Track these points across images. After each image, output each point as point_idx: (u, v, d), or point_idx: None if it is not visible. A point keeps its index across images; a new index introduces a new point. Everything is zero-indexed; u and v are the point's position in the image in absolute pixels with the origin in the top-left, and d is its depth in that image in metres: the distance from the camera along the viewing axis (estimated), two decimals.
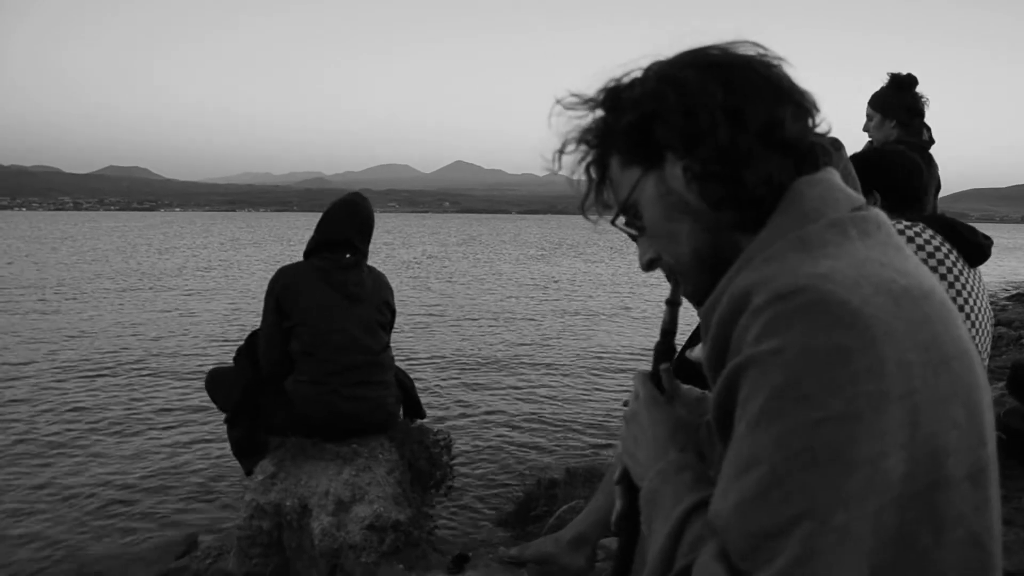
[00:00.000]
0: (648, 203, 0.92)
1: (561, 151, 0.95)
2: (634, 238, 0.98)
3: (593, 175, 0.95)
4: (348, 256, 3.16)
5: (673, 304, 1.00)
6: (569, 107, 0.94)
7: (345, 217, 3.22)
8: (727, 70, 0.86)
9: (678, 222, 0.90)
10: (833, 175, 0.88)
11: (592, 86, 0.93)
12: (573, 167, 0.96)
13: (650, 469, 0.93)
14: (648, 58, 0.92)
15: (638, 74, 0.91)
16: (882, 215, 0.86)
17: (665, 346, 1.04)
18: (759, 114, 0.84)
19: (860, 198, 0.87)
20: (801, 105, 0.87)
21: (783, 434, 0.69)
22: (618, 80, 0.92)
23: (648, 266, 0.97)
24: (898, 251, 0.82)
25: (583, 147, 0.94)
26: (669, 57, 0.91)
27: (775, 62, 0.88)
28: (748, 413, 0.72)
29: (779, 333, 0.71)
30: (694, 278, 0.93)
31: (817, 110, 0.88)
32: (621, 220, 0.96)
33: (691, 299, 0.96)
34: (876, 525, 0.69)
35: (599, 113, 0.93)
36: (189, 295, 16.34)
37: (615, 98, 0.91)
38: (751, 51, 0.89)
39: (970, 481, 0.75)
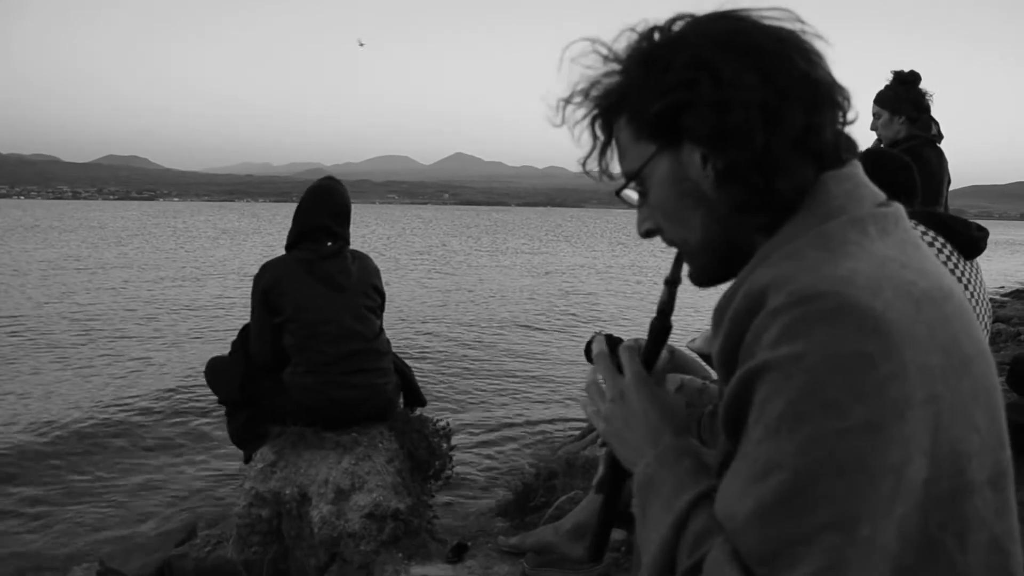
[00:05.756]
0: (659, 183, 0.88)
1: (567, 101, 0.89)
2: (636, 204, 0.94)
3: (599, 135, 0.90)
4: (329, 244, 3.13)
5: (672, 283, 0.98)
6: (584, 57, 0.87)
7: (320, 204, 3.18)
8: (767, 59, 0.80)
9: (690, 209, 0.87)
10: (858, 170, 0.86)
11: (611, 37, 0.86)
12: (577, 120, 0.90)
13: (644, 452, 0.90)
14: (674, 14, 0.85)
15: (664, 36, 0.84)
16: (901, 210, 0.84)
17: (661, 324, 1.00)
18: (797, 118, 0.79)
19: (882, 194, 0.85)
20: (838, 104, 0.83)
21: (806, 441, 0.68)
22: (643, 41, 0.85)
23: (646, 235, 0.94)
24: (916, 248, 0.80)
25: (591, 103, 0.89)
26: (701, 23, 0.83)
27: (816, 52, 0.82)
28: (767, 416, 0.71)
29: (800, 337, 0.70)
30: (701, 262, 0.91)
31: (851, 105, 0.84)
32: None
33: (695, 281, 0.94)
34: (900, 532, 0.68)
35: (617, 71, 0.86)
36: (187, 285, 16.32)
37: (642, 70, 0.83)
38: (792, 28, 0.83)
39: (991, 485, 0.75)
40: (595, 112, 0.89)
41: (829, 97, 0.81)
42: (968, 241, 2.29)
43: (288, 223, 3.22)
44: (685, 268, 0.95)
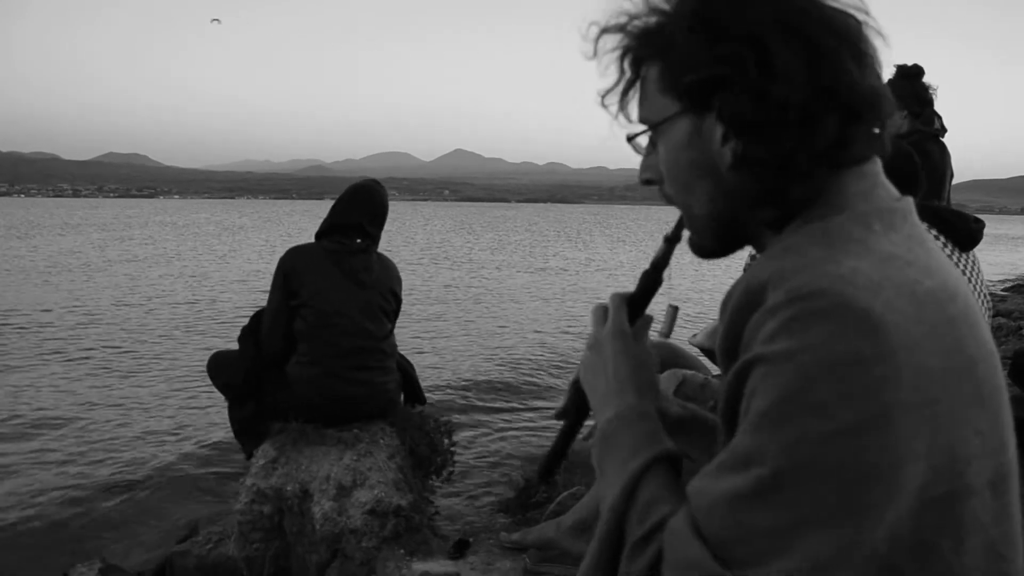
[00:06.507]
0: (673, 143, 0.84)
1: (604, 30, 0.85)
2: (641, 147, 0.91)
3: (627, 71, 0.86)
4: (359, 241, 3.19)
5: (671, 241, 0.96)
6: None
7: (359, 202, 3.25)
8: (820, 55, 0.75)
9: (700, 178, 0.84)
10: (877, 167, 0.82)
11: None
12: (607, 51, 0.85)
13: (607, 405, 0.91)
14: None
15: None
16: (910, 205, 0.82)
17: (651, 278, 0.99)
18: (832, 129, 0.76)
19: (896, 192, 0.82)
20: (878, 113, 0.79)
21: (791, 441, 0.67)
22: None
23: (646, 183, 0.91)
24: (922, 244, 0.78)
25: (627, 38, 0.84)
26: None
27: (871, 55, 0.78)
28: (753, 409, 0.71)
29: (795, 335, 0.69)
30: (701, 232, 0.89)
31: (892, 109, 0.80)
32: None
33: (692, 248, 0.92)
34: (891, 534, 0.68)
35: (663, 11, 0.81)
36: (190, 280, 16.33)
37: (690, 27, 0.79)
38: (858, 20, 0.78)
39: (991, 489, 0.73)
40: (628, 48, 0.84)
41: (871, 107, 0.78)
42: (966, 234, 2.29)
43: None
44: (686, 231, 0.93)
